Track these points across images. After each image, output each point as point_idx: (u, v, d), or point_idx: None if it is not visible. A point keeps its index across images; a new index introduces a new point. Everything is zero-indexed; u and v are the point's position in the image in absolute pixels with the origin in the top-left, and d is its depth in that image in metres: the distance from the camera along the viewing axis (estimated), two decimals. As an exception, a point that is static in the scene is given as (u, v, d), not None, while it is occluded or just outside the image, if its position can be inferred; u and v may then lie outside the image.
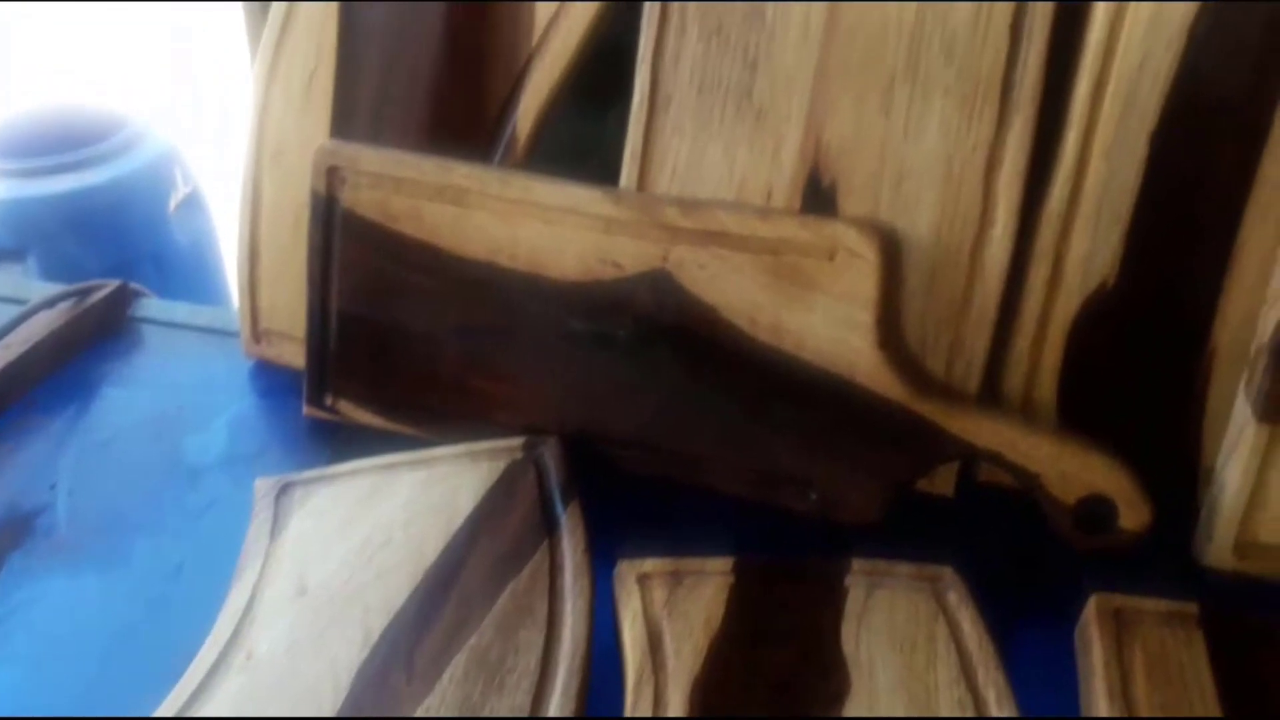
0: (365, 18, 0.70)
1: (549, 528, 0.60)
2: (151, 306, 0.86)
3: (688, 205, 0.65)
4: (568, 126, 0.73)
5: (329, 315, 0.71)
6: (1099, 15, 0.61)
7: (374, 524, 0.62)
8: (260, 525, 0.63)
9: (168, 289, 1.63)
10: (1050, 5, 0.60)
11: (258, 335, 0.78)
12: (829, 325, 0.63)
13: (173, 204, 1.60)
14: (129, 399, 0.78)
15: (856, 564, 0.59)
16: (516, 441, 0.66)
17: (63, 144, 1.55)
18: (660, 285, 0.65)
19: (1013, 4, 0.60)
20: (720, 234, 0.64)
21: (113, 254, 1.52)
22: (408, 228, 0.68)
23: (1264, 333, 0.62)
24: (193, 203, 1.64)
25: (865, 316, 0.63)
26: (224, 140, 1.80)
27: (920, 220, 0.65)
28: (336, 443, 0.72)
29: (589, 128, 0.74)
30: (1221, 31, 0.60)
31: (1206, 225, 0.64)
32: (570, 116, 0.73)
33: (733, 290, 0.64)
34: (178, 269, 1.59)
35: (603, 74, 0.70)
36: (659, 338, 0.66)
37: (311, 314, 0.71)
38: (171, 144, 1.65)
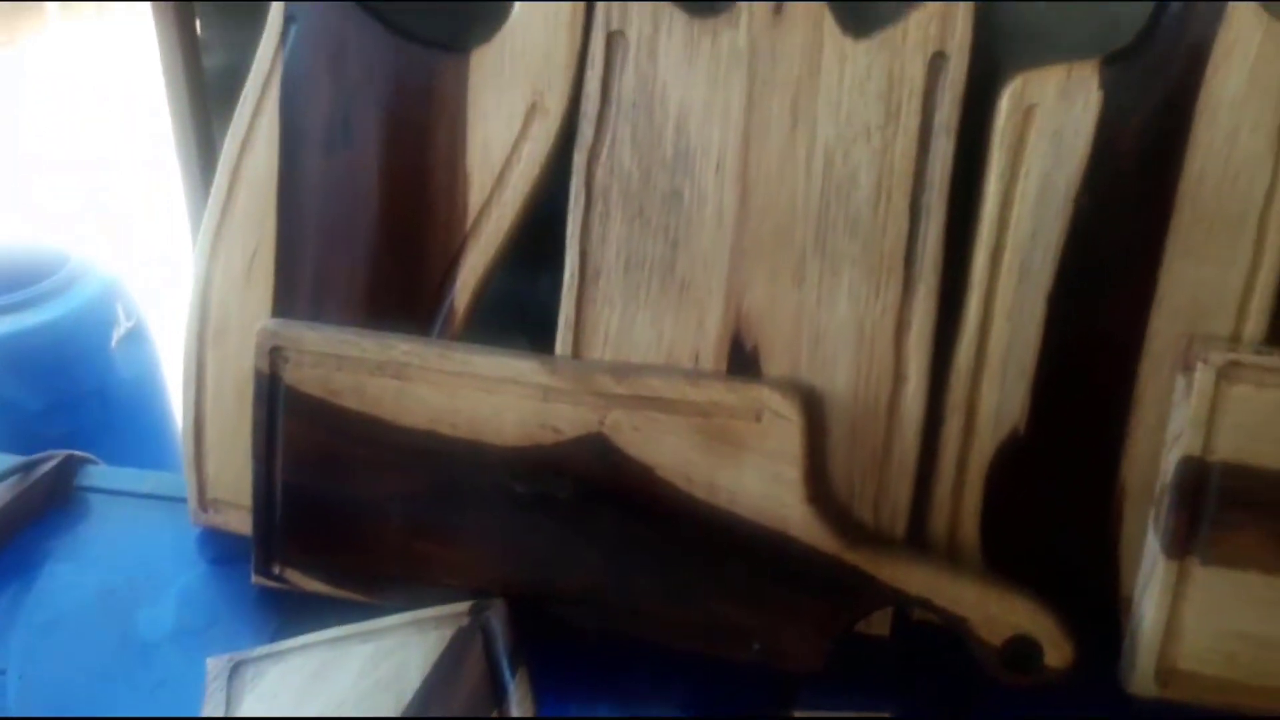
0: (305, 201, 0.73)
1: (498, 697, 0.62)
2: (98, 475, 0.86)
3: (621, 372, 0.68)
4: (505, 287, 0.76)
5: (274, 487, 0.72)
6: (992, 190, 0.66)
7: (325, 703, 0.63)
8: (214, 708, 0.64)
9: (111, 424, 1.63)
10: (946, 184, 0.66)
11: (205, 504, 0.79)
12: (760, 482, 0.67)
13: (115, 339, 1.60)
14: (77, 574, 0.78)
15: (799, 716, 0.61)
16: (463, 607, 0.68)
17: (2, 284, 1.55)
18: (598, 448, 0.68)
19: (910, 185, 0.66)
20: (653, 398, 0.67)
21: (54, 392, 1.51)
22: (350, 402, 0.70)
23: (1165, 473, 0.67)
24: (136, 336, 1.64)
25: (793, 473, 0.66)
26: (168, 268, 1.81)
27: (838, 379, 0.68)
28: (286, 610, 0.73)
29: (525, 288, 0.77)
30: (1104, 199, 0.66)
31: (1107, 374, 0.69)
32: (508, 278, 0.76)
33: (667, 451, 0.67)
34: (121, 403, 1.59)
35: (537, 239, 0.74)
36: (599, 498, 0.69)
37: (257, 487, 0.72)
38: (113, 278, 1.65)
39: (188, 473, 0.79)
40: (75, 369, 1.56)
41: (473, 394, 0.69)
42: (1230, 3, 0.62)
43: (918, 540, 0.71)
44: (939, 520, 0.71)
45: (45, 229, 1.94)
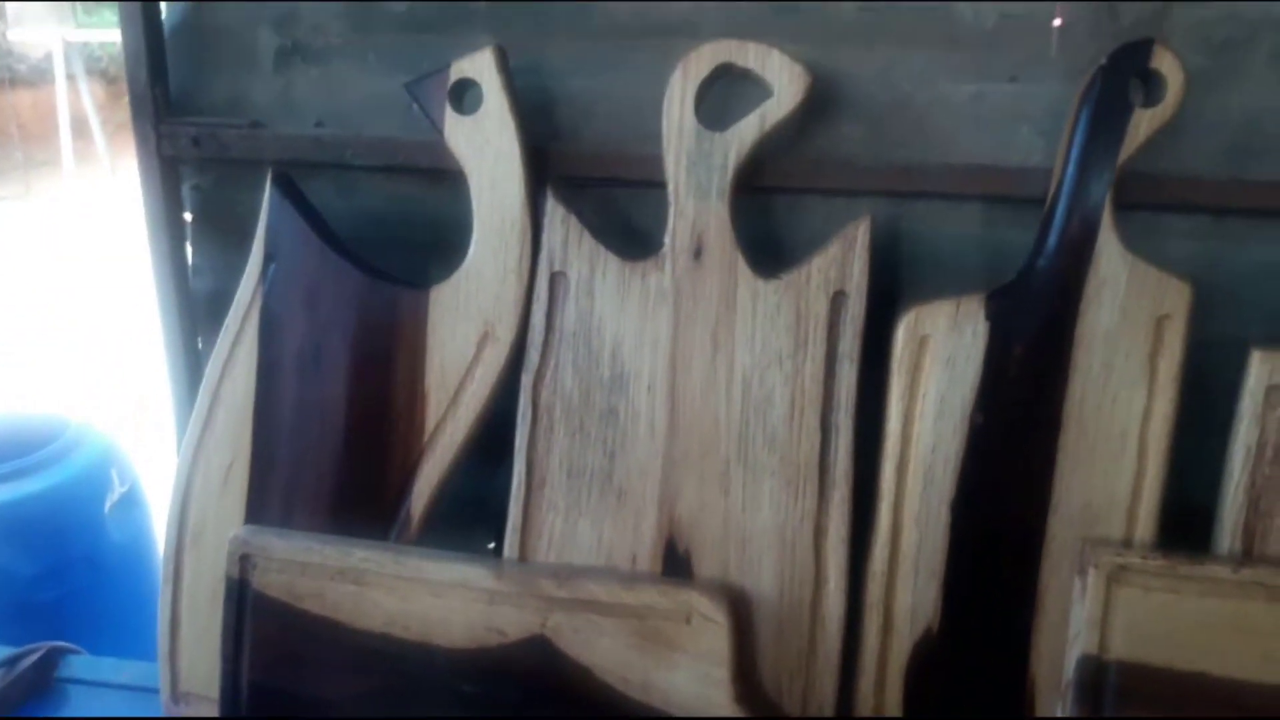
0: (278, 419, 0.80)
1: None
2: (79, 665, 0.91)
3: (562, 576, 0.73)
4: (463, 483, 0.83)
5: (241, 685, 0.77)
6: (894, 410, 0.73)
7: None
8: None
9: (101, 587, 1.65)
10: (853, 404, 0.73)
11: (177, 696, 0.83)
12: (691, 683, 0.71)
13: (109, 504, 1.65)
14: (52, 766, 0.82)
15: None
16: (414, 803, 0.72)
17: (2, 451, 1.61)
18: (541, 651, 0.73)
19: (820, 405, 0.73)
20: (591, 602, 0.73)
21: (47, 558, 1.55)
22: (312, 606, 0.75)
23: (1068, 669, 0.71)
24: (129, 500, 1.69)
25: (722, 673, 0.71)
26: (163, 432, 1.88)
27: (763, 580, 0.74)
28: (249, 802, 0.77)
29: (481, 485, 0.83)
30: (997, 416, 0.73)
31: (1011, 575, 0.74)
32: (464, 475, 0.82)
33: (605, 652, 0.72)
34: (112, 567, 1.62)
35: (490, 440, 0.80)
36: (543, 699, 0.73)
37: (224, 685, 0.77)
38: (109, 443, 1.71)
39: (162, 665, 0.83)
40: (68, 535, 1.61)
41: (424, 598, 0.74)
42: (1099, 245, 0.70)
43: (845, 734, 0.75)
44: (863, 714, 0.75)
45: (46, 391, 2.01)
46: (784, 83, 0.72)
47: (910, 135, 0.77)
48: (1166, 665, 0.70)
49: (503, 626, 0.74)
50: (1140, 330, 0.71)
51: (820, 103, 0.78)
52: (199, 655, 0.82)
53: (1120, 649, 0.70)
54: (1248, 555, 0.72)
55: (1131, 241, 0.76)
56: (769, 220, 0.81)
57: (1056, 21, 0.75)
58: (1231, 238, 0.77)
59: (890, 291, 0.78)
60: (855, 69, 0.77)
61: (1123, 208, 0.76)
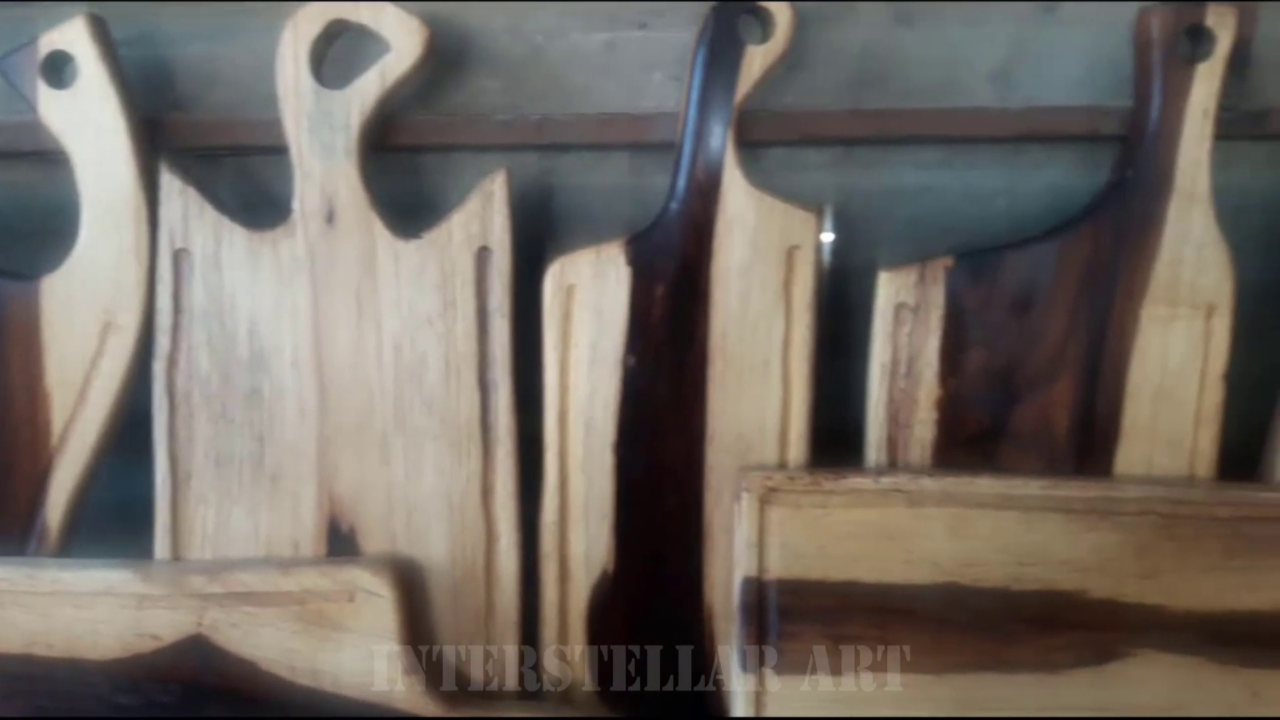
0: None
1: None
2: None
3: (214, 571, 0.70)
4: (112, 485, 0.77)
5: None
6: (550, 360, 0.73)
7: None
8: None
9: None
10: (508, 359, 0.72)
11: None
12: (359, 660, 0.69)
13: None
14: None
15: None
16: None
17: None
18: (200, 650, 0.69)
19: (476, 363, 0.72)
20: (248, 594, 0.69)
21: None
22: (-64, 638, 0.68)
23: (734, 595, 0.74)
24: None
25: (390, 647, 0.69)
26: None
27: (434, 548, 0.73)
28: None
29: (132, 485, 0.78)
30: (648, 357, 0.74)
31: (677, 510, 0.76)
32: (111, 476, 0.77)
33: (267, 643, 0.69)
34: None
35: (132, 436, 0.75)
36: (206, 699, 0.69)
37: None
38: None
39: None
40: None
41: (67, 611, 0.69)
42: (724, 184, 0.72)
43: (531, 691, 0.75)
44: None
45: None
46: (401, 37, 0.70)
47: (547, 87, 0.77)
48: (821, 578, 0.73)
49: (156, 631, 0.69)
50: (772, 262, 0.73)
51: (453, 57, 0.76)
52: None
53: (778, 568, 0.73)
54: (893, 465, 0.76)
55: (768, 177, 0.80)
56: (418, 179, 0.79)
57: (674, -34, 0.76)
58: (862, 165, 0.81)
59: (548, 245, 0.78)
60: (486, 22, 0.76)
61: (756, 145, 0.79)
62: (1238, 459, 0.78)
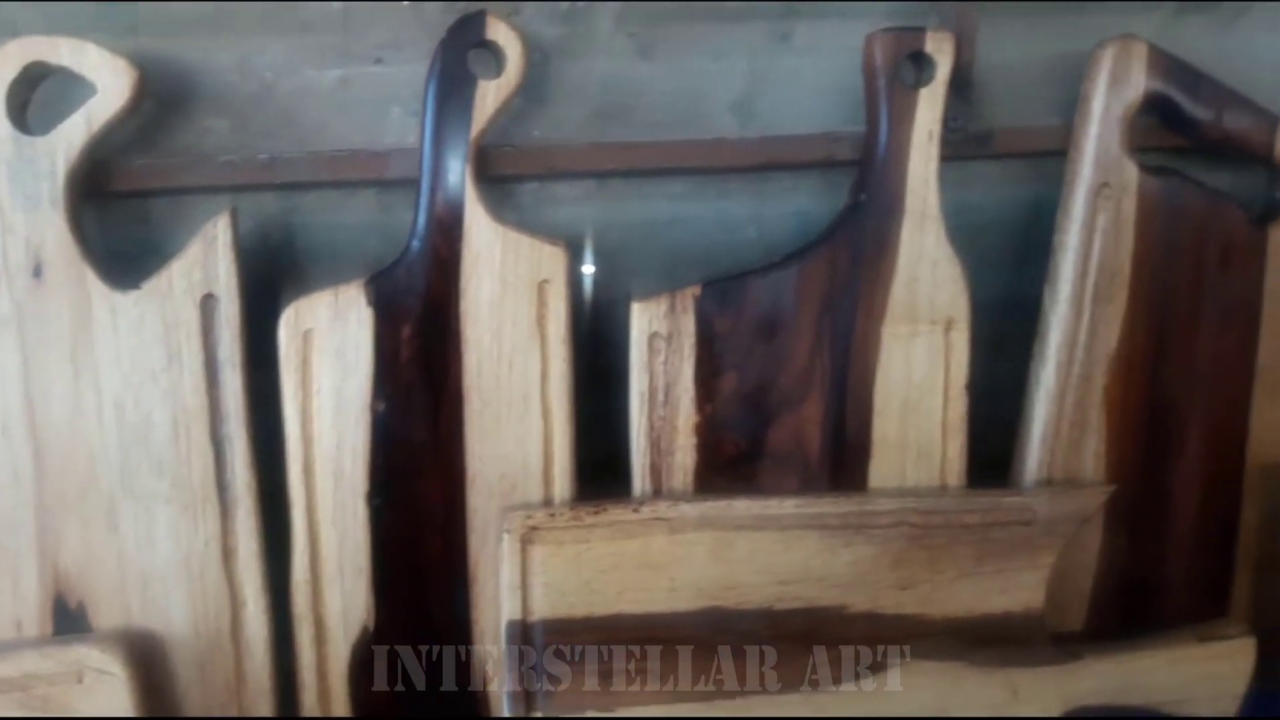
0: None
1: None
2: None
3: (-81, 664, 0.64)
4: None
5: None
6: (290, 410, 0.70)
7: None
8: None
9: None
10: (243, 412, 0.69)
11: None
12: (91, 747, 0.64)
13: None
14: None
15: None
16: None
17: None
18: (-97, 753, 0.63)
19: (207, 418, 0.68)
20: (-41, 685, 0.63)
21: None
22: None
23: (501, 639, 0.72)
24: None
25: (126, 729, 0.65)
26: None
27: (174, 618, 0.68)
28: None
29: None
30: (398, 400, 0.71)
31: (440, 557, 0.73)
32: None
33: (-16, 739, 0.64)
34: None
35: None
36: (-87, 807, 0.63)
37: None
38: None
39: None
40: None
41: None
42: (467, 220, 0.71)
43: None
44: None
45: None
46: (107, 78, 0.66)
47: (277, 125, 0.74)
48: (587, 614, 0.72)
49: None
50: (523, 296, 0.72)
51: (176, 97, 0.73)
52: None
53: (543, 608, 0.71)
54: (658, 493, 0.76)
55: (523, 212, 0.79)
56: (147, 227, 0.75)
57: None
58: (615, 198, 0.81)
59: (293, 288, 0.75)
60: (209, 60, 0.73)
61: (505, 179, 0.78)
62: (992, 466, 0.82)
